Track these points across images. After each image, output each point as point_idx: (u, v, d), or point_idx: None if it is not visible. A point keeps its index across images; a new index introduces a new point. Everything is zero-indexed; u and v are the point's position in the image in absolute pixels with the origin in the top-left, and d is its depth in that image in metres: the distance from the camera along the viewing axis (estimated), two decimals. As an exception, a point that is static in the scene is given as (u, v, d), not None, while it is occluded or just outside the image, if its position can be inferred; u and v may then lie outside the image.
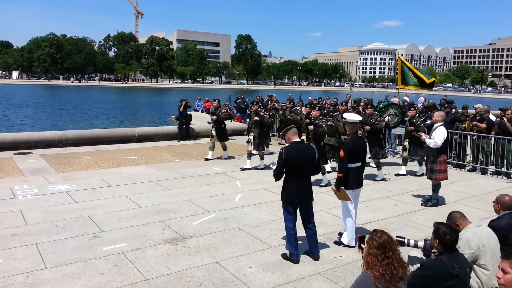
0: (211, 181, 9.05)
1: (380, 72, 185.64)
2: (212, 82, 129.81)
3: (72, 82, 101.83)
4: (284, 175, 5.05)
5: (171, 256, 5.17)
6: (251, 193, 8.18)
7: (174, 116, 10.56)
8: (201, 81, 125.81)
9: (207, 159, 11.28)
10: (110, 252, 5.23)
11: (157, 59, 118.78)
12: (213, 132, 11.39)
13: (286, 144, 5.19)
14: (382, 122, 9.86)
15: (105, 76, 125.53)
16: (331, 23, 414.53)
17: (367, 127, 9.61)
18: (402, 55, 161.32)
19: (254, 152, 10.58)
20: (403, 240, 3.64)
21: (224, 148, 11.56)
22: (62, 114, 32.07)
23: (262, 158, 10.45)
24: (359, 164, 5.52)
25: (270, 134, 13.13)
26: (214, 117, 11.44)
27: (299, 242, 5.24)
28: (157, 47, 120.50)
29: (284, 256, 5.14)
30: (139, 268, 4.80)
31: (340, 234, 5.75)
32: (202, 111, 20.34)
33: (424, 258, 3.63)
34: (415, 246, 3.69)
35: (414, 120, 10.02)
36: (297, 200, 5.02)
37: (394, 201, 7.84)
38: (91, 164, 10.54)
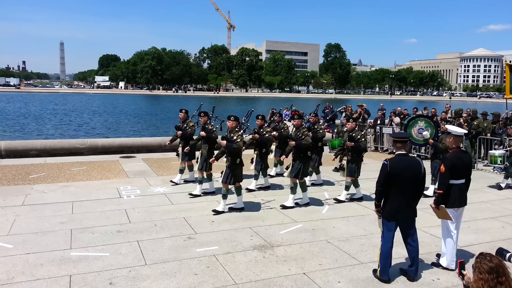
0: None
1: (484, 81, 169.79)
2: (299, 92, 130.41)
3: (174, 92, 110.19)
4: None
5: (259, 263, 5.25)
6: (339, 205, 7.99)
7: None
8: (289, 91, 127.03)
9: (173, 183, 9.38)
10: (203, 254, 5.48)
11: (247, 70, 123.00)
12: (179, 150, 9.25)
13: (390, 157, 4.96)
14: (308, 137, 7.84)
15: (199, 86, 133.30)
16: (428, 28, 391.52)
17: (292, 142, 7.82)
18: (510, 61, 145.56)
19: (197, 171, 8.62)
20: (505, 253, 3.22)
21: (190, 169, 9.51)
22: (163, 122, 34.66)
23: (210, 179, 8.64)
24: (462, 181, 5.09)
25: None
26: (179, 132, 9.11)
27: (394, 261, 4.98)
28: (247, 58, 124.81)
29: (375, 272, 4.92)
30: (229, 272, 4.96)
31: (439, 255, 5.33)
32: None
33: None
34: None
35: (354, 134, 8.27)
36: (400, 216, 4.77)
37: (501, 223, 7.07)
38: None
